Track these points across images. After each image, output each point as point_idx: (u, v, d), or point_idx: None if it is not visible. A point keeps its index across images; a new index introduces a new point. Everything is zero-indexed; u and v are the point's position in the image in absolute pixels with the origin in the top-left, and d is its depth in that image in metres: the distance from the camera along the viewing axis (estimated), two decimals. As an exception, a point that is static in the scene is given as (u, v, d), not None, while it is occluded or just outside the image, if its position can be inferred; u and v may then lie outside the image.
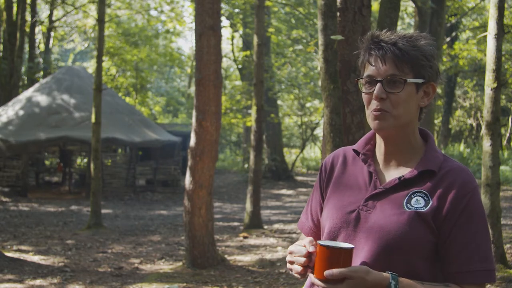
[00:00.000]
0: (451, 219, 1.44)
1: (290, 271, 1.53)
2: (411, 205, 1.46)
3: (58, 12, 27.72)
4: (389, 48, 1.47)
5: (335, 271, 1.36)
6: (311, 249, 1.46)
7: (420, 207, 1.45)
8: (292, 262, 1.51)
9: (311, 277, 1.44)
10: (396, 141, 1.54)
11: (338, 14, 4.76)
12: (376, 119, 1.49)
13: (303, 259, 1.47)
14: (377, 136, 1.59)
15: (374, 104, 1.49)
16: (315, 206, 1.72)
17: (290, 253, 1.52)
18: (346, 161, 1.65)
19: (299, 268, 1.48)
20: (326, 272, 1.37)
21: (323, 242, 1.43)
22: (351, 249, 1.42)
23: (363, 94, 1.54)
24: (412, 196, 1.48)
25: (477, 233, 1.44)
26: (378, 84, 1.48)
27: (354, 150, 1.64)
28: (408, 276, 1.42)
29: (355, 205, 1.54)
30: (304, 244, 1.50)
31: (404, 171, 1.53)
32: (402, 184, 1.50)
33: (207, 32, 6.46)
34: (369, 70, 1.50)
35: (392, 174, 1.55)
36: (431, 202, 1.45)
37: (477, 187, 1.49)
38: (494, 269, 1.44)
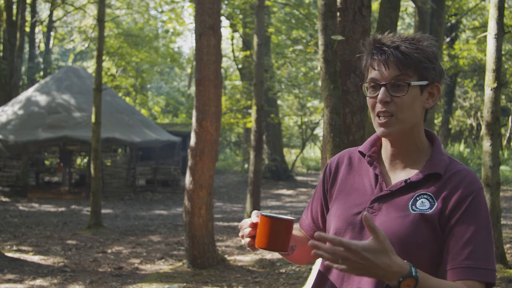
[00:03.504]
0: (455, 217, 1.44)
1: (244, 246, 1.61)
2: (416, 207, 1.46)
3: (58, 12, 27.73)
4: (391, 52, 1.47)
5: (372, 222, 1.30)
6: (255, 220, 1.52)
7: (425, 209, 1.45)
8: (242, 236, 1.57)
9: (245, 242, 1.52)
10: (403, 143, 1.54)
11: (338, 14, 4.75)
12: (382, 126, 1.49)
13: (249, 230, 1.53)
14: (383, 139, 1.59)
15: (379, 107, 1.49)
16: (315, 205, 1.73)
17: (240, 227, 1.58)
18: (351, 162, 1.66)
19: (248, 239, 1.54)
20: (365, 213, 1.30)
21: (265, 213, 1.49)
22: (292, 221, 1.48)
23: (367, 98, 1.54)
24: (418, 198, 1.48)
25: (480, 232, 1.43)
26: (382, 88, 1.48)
27: (360, 152, 1.64)
28: None
29: (361, 207, 1.54)
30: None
31: (410, 173, 1.53)
32: (408, 186, 1.50)
33: (207, 32, 6.46)
34: (373, 74, 1.50)
35: (398, 176, 1.55)
36: (436, 204, 1.45)
37: (482, 188, 1.48)
38: (495, 270, 1.43)
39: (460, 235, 1.43)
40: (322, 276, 1.60)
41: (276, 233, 1.46)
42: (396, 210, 1.48)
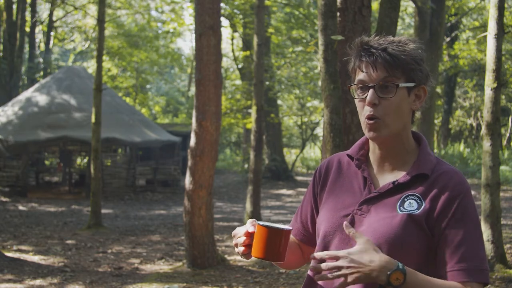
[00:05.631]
0: (444, 220, 1.45)
1: (238, 254, 1.58)
2: (404, 208, 1.47)
3: (58, 12, 27.72)
4: (379, 54, 1.48)
5: (353, 230, 1.42)
6: (251, 229, 1.52)
7: (413, 210, 1.46)
8: (236, 245, 1.57)
9: (240, 251, 1.53)
10: (391, 146, 1.55)
11: (338, 14, 4.75)
12: (371, 129, 1.51)
13: (243, 239, 1.53)
14: (371, 141, 1.60)
15: (367, 110, 1.50)
16: (305, 209, 1.74)
17: (234, 236, 1.58)
18: (341, 166, 1.67)
19: (242, 248, 1.54)
20: (346, 224, 1.43)
21: (262, 222, 1.49)
22: (288, 230, 1.48)
23: (356, 100, 1.55)
24: (405, 199, 1.49)
25: (471, 233, 1.45)
26: (371, 90, 1.49)
27: (348, 156, 1.65)
28: None
29: (350, 209, 1.55)
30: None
31: (398, 175, 1.54)
32: (396, 188, 1.51)
33: (207, 32, 6.46)
34: (361, 76, 1.52)
35: (387, 178, 1.56)
36: (423, 205, 1.46)
37: (469, 189, 1.50)
38: (487, 269, 1.45)
39: (451, 239, 1.44)
40: (311, 281, 1.61)
41: (273, 243, 1.46)
42: (384, 211, 1.49)
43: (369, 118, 1.50)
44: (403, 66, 1.48)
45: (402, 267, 1.35)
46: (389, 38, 1.52)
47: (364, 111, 1.51)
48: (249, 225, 1.54)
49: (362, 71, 1.51)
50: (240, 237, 1.55)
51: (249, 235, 1.53)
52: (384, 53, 1.47)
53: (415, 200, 1.48)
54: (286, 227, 1.49)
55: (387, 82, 1.48)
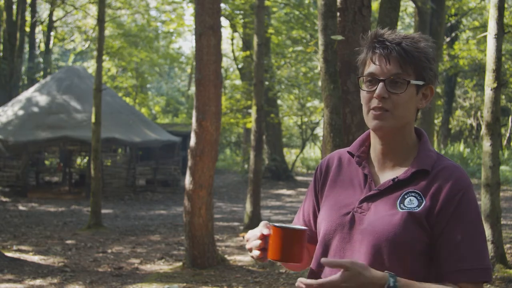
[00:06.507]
0: (444, 217, 1.43)
1: (252, 258, 1.54)
2: (404, 206, 1.46)
3: (58, 12, 27.72)
4: (394, 48, 1.46)
5: (332, 260, 1.37)
6: (265, 231, 1.48)
7: (413, 207, 1.45)
8: (250, 249, 1.53)
9: (251, 255, 1.50)
10: (393, 141, 1.53)
11: (338, 14, 4.75)
12: (376, 118, 1.48)
13: (258, 242, 1.49)
14: (372, 137, 1.58)
15: (374, 102, 1.48)
16: (307, 207, 1.72)
17: (247, 240, 1.54)
18: (341, 163, 1.65)
19: (257, 252, 1.50)
20: (323, 260, 1.37)
21: (277, 224, 1.46)
22: (304, 230, 1.46)
23: (363, 92, 1.52)
24: (405, 196, 1.47)
25: (471, 231, 1.43)
26: (381, 84, 1.47)
27: (349, 152, 1.64)
28: (403, 276, 1.40)
29: (350, 207, 1.54)
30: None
31: (399, 172, 1.52)
32: (396, 185, 1.50)
33: (207, 32, 6.46)
34: (372, 69, 1.49)
35: (387, 175, 1.54)
36: (424, 202, 1.45)
37: (471, 184, 1.48)
38: (490, 267, 1.43)
39: (451, 237, 1.42)
40: (314, 276, 1.60)
41: (290, 244, 1.44)
42: (384, 209, 1.48)
43: (377, 108, 1.48)
44: (416, 63, 1.47)
45: (393, 284, 1.34)
46: (402, 33, 1.51)
47: (371, 103, 1.50)
48: (263, 228, 1.50)
49: (374, 64, 1.49)
50: (255, 241, 1.50)
51: (264, 238, 1.49)
52: (398, 47, 1.46)
53: (415, 197, 1.46)
54: (301, 227, 1.47)
55: (399, 78, 1.47)
